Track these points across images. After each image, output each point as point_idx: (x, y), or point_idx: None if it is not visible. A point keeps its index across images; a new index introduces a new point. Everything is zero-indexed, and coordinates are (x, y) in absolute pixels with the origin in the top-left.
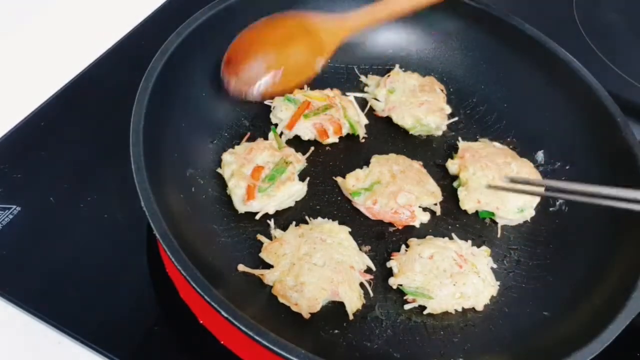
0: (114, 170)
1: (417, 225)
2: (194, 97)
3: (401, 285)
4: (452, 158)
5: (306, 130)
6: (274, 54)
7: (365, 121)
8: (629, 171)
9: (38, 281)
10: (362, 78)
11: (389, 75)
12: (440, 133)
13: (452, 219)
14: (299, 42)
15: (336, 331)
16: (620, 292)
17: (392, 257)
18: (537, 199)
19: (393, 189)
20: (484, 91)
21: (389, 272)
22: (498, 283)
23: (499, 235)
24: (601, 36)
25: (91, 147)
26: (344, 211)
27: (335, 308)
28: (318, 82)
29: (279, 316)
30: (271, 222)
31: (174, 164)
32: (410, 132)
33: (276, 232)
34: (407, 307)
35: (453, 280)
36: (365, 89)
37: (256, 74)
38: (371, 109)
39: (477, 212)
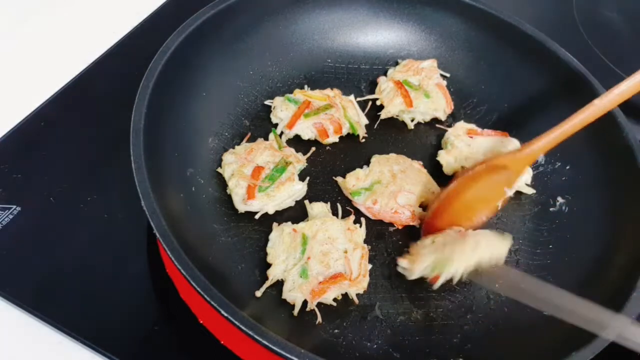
0: (114, 170)
1: (417, 225)
2: (194, 96)
3: (423, 276)
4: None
5: (306, 129)
6: (463, 209)
7: (365, 121)
8: (629, 171)
9: (38, 281)
10: (380, 79)
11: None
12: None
13: None
14: (487, 183)
15: (336, 331)
16: (620, 292)
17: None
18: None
19: (393, 188)
20: (484, 91)
21: (389, 272)
22: (511, 236)
23: None
24: (601, 36)
25: (91, 146)
26: (344, 211)
27: (335, 308)
28: (318, 82)
29: (279, 316)
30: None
31: (174, 164)
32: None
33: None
34: (436, 286)
35: (463, 240)
36: (378, 90)
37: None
38: (372, 109)
39: None
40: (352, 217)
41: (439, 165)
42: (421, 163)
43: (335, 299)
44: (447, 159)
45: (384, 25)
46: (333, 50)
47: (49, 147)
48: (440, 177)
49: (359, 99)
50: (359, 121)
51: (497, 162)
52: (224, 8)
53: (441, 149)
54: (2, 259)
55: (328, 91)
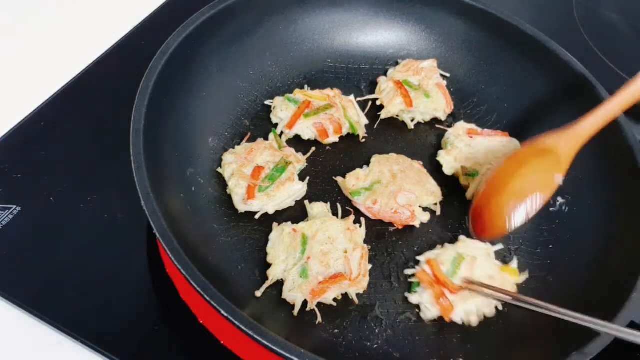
0: (114, 170)
1: (417, 225)
2: (194, 97)
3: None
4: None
5: (306, 129)
6: (514, 198)
7: (365, 121)
8: (629, 171)
9: (38, 281)
10: (380, 79)
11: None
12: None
13: (452, 219)
14: (535, 169)
15: (336, 331)
16: (619, 292)
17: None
18: None
19: (393, 188)
20: (484, 91)
21: (389, 272)
22: None
23: None
24: (601, 36)
25: (91, 146)
26: (344, 211)
27: (335, 308)
28: (318, 82)
29: (279, 316)
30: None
31: (174, 164)
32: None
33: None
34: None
35: None
36: (377, 90)
37: (505, 224)
38: (372, 109)
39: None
40: (352, 217)
41: (439, 165)
42: (421, 163)
43: (335, 299)
44: (447, 159)
45: (384, 25)
46: (333, 50)
47: (49, 147)
48: (440, 177)
49: (359, 99)
50: (359, 121)
51: (542, 145)
52: (223, 8)
53: (441, 149)
54: (2, 259)
55: (328, 91)
